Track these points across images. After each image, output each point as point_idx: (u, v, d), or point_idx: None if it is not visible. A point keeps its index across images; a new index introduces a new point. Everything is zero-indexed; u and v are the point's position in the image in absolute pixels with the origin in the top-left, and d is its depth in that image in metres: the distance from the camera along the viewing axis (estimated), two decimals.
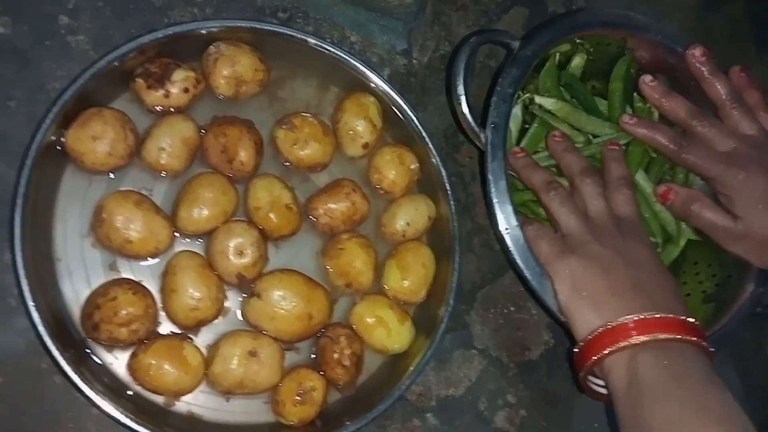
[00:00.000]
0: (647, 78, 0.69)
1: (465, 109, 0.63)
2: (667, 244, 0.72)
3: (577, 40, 0.71)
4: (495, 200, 0.62)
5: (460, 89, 0.63)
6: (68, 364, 0.58)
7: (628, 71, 0.72)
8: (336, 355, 0.62)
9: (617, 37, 0.71)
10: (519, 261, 0.62)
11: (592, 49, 0.72)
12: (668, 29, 0.72)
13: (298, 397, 0.61)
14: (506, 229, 0.62)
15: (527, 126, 0.71)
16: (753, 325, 0.76)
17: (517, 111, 0.70)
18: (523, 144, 0.70)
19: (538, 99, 0.69)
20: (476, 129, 0.64)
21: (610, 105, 0.72)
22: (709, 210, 0.65)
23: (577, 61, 0.72)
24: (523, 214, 0.69)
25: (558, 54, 0.71)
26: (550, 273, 0.61)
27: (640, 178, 0.70)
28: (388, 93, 0.67)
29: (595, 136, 0.71)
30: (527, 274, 0.62)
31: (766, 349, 0.77)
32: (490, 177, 0.63)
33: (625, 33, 0.71)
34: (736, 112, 0.66)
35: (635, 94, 0.73)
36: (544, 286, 0.61)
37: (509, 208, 0.62)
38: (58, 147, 0.62)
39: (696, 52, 0.68)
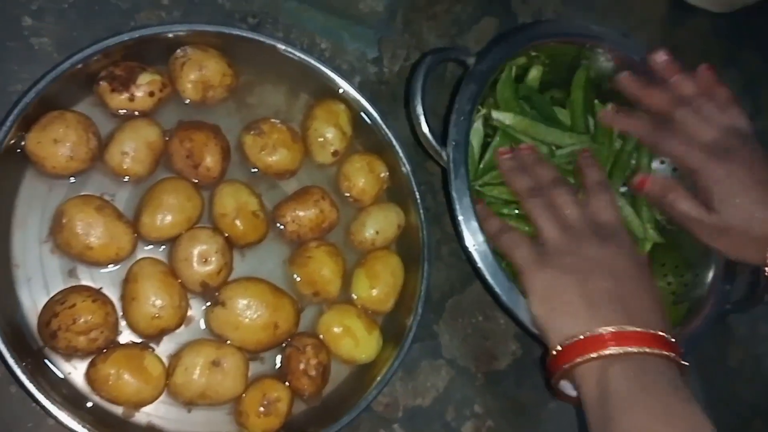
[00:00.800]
0: (624, 73, 0.70)
1: (425, 128, 0.63)
2: (639, 240, 0.73)
3: (533, 53, 0.71)
4: (460, 217, 0.63)
5: (419, 109, 0.63)
6: (24, 373, 0.56)
7: (587, 80, 0.73)
8: (302, 366, 0.61)
9: (572, 48, 0.72)
10: (488, 277, 0.62)
11: (548, 61, 0.72)
12: (623, 39, 0.73)
13: (262, 409, 0.60)
14: (473, 245, 0.63)
15: (489, 140, 0.71)
16: (716, 336, 0.77)
17: (478, 126, 0.70)
18: (486, 158, 0.70)
19: (495, 114, 0.69)
20: (437, 148, 0.64)
21: (572, 113, 0.73)
22: (684, 200, 0.65)
23: (534, 74, 0.73)
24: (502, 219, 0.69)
25: (514, 67, 0.71)
26: (525, 284, 0.61)
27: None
28: (359, 100, 0.67)
29: (558, 147, 0.71)
30: (497, 289, 0.62)
31: (728, 360, 0.78)
32: (454, 195, 0.63)
33: (580, 44, 0.72)
34: (709, 105, 0.66)
35: (596, 101, 0.74)
36: (515, 300, 0.61)
37: (474, 225, 0.62)
38: (18, 150, 0.60)
39: (661, 54, 0.69)
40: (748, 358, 0.77)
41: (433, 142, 0.64)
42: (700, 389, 0.76)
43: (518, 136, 0.70)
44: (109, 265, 0.61)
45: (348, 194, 0.68)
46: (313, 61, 0.66)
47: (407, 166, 0.67)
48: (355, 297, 0.66)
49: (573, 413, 0.72)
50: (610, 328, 0.55)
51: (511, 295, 0.61)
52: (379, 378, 0.63)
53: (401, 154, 0.67)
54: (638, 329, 0.55)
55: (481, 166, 0.70)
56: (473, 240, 0.63)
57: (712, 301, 0.69)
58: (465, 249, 0.63)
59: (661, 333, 0.56)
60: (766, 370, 0.77)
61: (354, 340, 0.64)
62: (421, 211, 0.66)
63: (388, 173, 0.69)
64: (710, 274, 0.70)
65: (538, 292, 0.60)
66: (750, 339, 0.71)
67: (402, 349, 0.64)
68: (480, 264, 0.62)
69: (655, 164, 0.75)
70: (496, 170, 0.69)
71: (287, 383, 0.62)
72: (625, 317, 0.56)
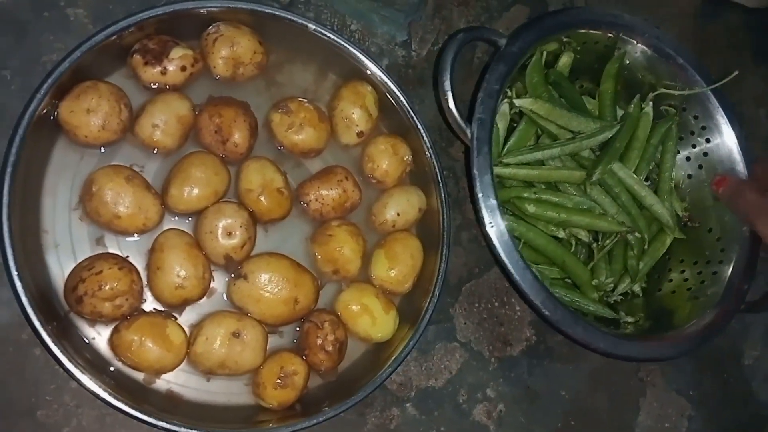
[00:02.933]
0: (716, 180, 0.71)
1: (451, 104, 0.64)
2: (659, 234, 0.73)
3: (564, 39, 0.71)
4: (480, 194, 0.63)
5: (447, 85, 0.63)
6: (50, 336, 0.58)
7: (619, 70, 0.73)
8: (319, 341, 0.63)
9: (604, 36, 0.72)
10: (503, 255, 0.63)
11: (579, 48, 0.72)
12: (656, 30, 0.73)
13: (279, 381, 0.61)
14: (490, 223, 0.63)
15: (515, 125, 0.71)
16: (732, 335, 0.77)
17: (505, 109, 0.70)
18: (510, 142, 0.70)
19: (517, 101, 0.69)
20: (462, 125, 0.64)
21: (601, 103, 0.73)
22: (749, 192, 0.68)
23: (565, 60, 0.73)
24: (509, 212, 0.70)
25: (545, 52, 0.71)
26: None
27: (618, 169, 0.71)
28: (386, 83, 0.67)
29: (579, 133, 0.71)
30: (510, 268, 0.62)
31: (744, 358, 0.78)
32: (475, 171, 0.63)
33: (612, 32, 0.72)
34: None
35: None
36: (527, 280, 0.62)
37: (493, 203, 0.63)
38: (51, 119, 0.61)
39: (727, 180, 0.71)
40: (765, 357, 0.77)
41: (459, 118, 0.64)
42: (717, 387, 0.76)
43: (541, 122, 0.70)
44: (136, 235, 0.63)
45: (371, 175, 0.69)
46: (342, 42, 0.66)
47: (431, 150, 0.67)
48: (373, 277, 0.67)
49: (585, 402, 0.73)
50: None
51: (524, 275, 0.62)
52: (393, 357, 0.64)
53: (425, 138, 0.67)
54: None
55: (505, 149, 0.70)
56: (490, 218, 0.63)
57: (729, 299, 0.69)
58: (483, 228, 0.63)
59: None
60: None
61: (371, 318, 0.65)
62: (443, 195, 0.67)
63: (411, 156, 0.69)
64: (728, 273, 0.70)
65: None
66: (766, 338, 0.71)
67: (418, 330, 0.65)
68: (496, 242, 0.63)
69: (680, 158, 0.75)
70: (519, 154, 0.69)
71: (304, 357, 0.63)
72: None
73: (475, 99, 0.65)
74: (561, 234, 0.71)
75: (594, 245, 0.72)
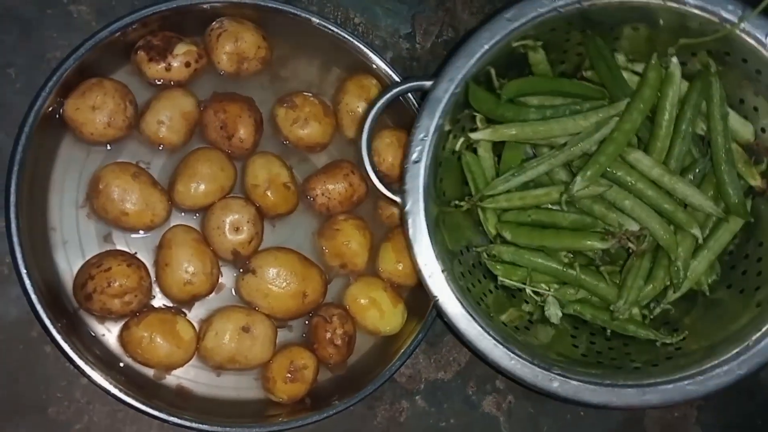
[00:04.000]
0: None
1: (374, 179, 0.59)
2: (720, 223, 0.61)
3: (514, 44, 0.59)
4: (418, 257, 0.56)
5: (367, 156, 0.59)
6: (59, 333, 0.58)
7: (607, 48, 0.61)
8: (328, 335, 0.63)
9: (563, 22, 0.59)
10: (458, 327, 0.56)
11: (541, 42, 0.61)
12: None
13: (289, 375, 0.61)
14: (435, 296, 0.57)
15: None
16: None
17: (464, 145, 0.62)
18: (501, 165, 0.63)
19: (473, 136, 0.61)
20: (392, 196, 0.59)
21: (609, 87, 0.62)
22: None
23: (536, 58, 0.62)
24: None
25: (493, 70, 0.60)
26: None
27: (641, 157, 0.59)
28: (390, 76, 0.67)
29: (577, 134, 0.60)
30: (484, 352, 0.57)
31: None
32: (412, 243, 0.57)
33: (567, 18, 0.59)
34: None
35: (616, 54, 0.62)
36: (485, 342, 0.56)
37: (439, 272, 0.56)
38: (56, 116, 0.61)
39: None
40: None
41: (385, 191, 0.59)
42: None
43: (522, 142, 0.62)
44: (144, 231, 0.63)
45: (378, 169, 0.68)
46: (346, 36, 0.66)
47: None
48: (381, 270, 0.67)
49: None
50: None
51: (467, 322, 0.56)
52: (402, 350, 0.64)
53: None
54: None
55: (496, 177, 0.62)
56: (437, 290, 0.57)
57: None
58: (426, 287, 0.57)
59: None
60: None
61: (379, 312, 0.65)
62: None
63: None
64: None
65: None
66: None
67: (426, 322, 0.65)
68: (447, 314, 0.56)
69: (746, 109, 0.61)
70: (505, 181, 0.61)
71: (313, 351, 0.63)
72: None
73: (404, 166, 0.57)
74: (564, 258, 0.62)
75: (602, 267, 0.62)
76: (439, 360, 0.70)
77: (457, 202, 0.62)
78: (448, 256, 0.58)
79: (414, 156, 0.57)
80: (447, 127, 0.59)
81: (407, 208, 0.57)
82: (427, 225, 0.57)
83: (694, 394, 0.57)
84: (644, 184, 0.59)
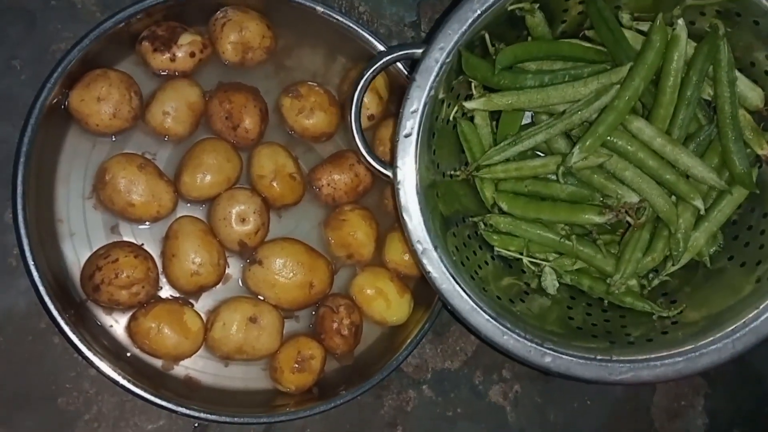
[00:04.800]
0: None
1: (364, 151, 0.58)
2: (724, 194, 0.59)
3: (509, 7, 0.56)
4: (409, 232, 0.55)
5: (358, 138, 0.57)
6: (67, 324, 0.58)
7: (608, 8, 0.59)
8: (335, 325, 0.63)
9: None
10: (444, 294, 0.55)
11: (538, 4, 0.58)
12: None
13: (296, 365, 0.61)
14: (427, 267, 0.55)
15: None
16: None
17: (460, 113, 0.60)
18: (498, 132, 0.62)
19: (467, 105, 0.59)
20: (383, 170, 0.58)
21: (610, 48, 0.59)
22: None
23: (535, 20, 0.59)
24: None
25: (487, 35, 0.57)
26: None
27: (644, 126, 0.57)
28: (395, 65, 0.67)
29: (577, 101, 0.58)
30: (462, 313, 0.55)
31: None
32: (405, 220, 0.55)
33: None
34: None
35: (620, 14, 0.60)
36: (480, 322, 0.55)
37: (430, 246, 0.55)
38: (62, 107, 0.61)
39: None
40: None
41: (375, 164, 0.58)
42: (732, 365, 0.76)
43: (519, 110, 0.60)
44: (150, 222, 0.63)
45: (384, 159, 0.68)
46: (351, 24, 0.66)
47: None
48: (387, 260, 0.67)
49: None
50: None
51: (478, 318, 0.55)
52: (409, 340, 0.64)
53: None
54: None
55: (493, 147, 0.61)
56: (428, 262, 0.55)
57: None
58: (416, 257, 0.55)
59: None
60: None
61: (386, 302, 0.65)
62: None
63: None
64: None
65: None
66: None
67: (432, 312, 0.65)
68: (436, 282, 0.55)
69: (756, 73, 0.58)
70: (501, 151, 0.60)
71: (320, 342, 0.63)
72: None
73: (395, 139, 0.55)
74: (561, 230, 0.61)
75: (599, 239, 0.60)
76: (446, 350, 0.70)
77: (452, 172, 0.61)
78: (441, 231, 0.57)
79: (405, 130, 0.55)
80: (441, 96, 0.57)
81: (398, 182, 0.55)
82: (419, 200, 0.55)
83: (687, 370, 0.56)
84: (646, 154, 0.58)
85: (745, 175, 0.58)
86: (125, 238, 0.63)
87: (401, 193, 0.55)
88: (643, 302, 0.61)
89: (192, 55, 0.63)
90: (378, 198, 0.69)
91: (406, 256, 0.66)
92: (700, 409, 0.75)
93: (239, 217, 0.62)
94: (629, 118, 0.58)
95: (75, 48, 0.60)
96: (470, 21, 0.55)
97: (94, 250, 0.61)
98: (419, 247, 0.55)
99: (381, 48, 0.66)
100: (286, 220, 0.66)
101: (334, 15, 0.65)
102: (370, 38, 0.66)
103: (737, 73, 0.58)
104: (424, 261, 0.55)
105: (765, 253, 0.59)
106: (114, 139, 0.63)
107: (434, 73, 0.55)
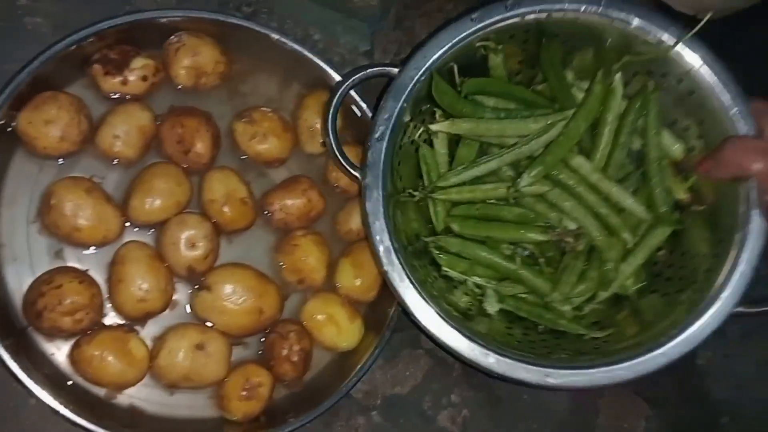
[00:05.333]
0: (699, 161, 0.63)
1: (337, 152, 0.60)
2: (649, 230, 0.65)
3: (478, 44, 0.62)
4: (376, 237, 0.58)
5: (331, 133, 0.60)
6: (7, 352, 0.57)
7: (556, 52, 0.64)
8: (285, 351, 0.63)
9: (522, 25, 0.62)
10: (402, 297, 0.58)
11: (509, 42, 0.63)
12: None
13: (244, 393, 0.61)
14: (387, 266, 0.58)
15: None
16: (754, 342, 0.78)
17: (425, 135, 0.64)
18: (456, 160, 0.66)
19: (432, 127, 0.63)
20: (353, 172, 0.60)
21: (554, 94, 0.65)
22: None
23: (496, 61, 0.64)
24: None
25: (455, 66, 0.62)
26: None
27: (583, 162, 0.63)
28: (349, 93, 0.68)
29: (525, 137, 0.63)
30: (418, 318, 0.58)
31: (697, 358, 0.81)
32: (369, 217, 0.58)
33: (534, 14, 0.61)
34: None
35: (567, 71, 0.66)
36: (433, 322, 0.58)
37: (389, 245, 0.58)
38: (8, 129, 0.60)
39: None
40: (716, 358, 0.79)
41: (347, 165, 0.60)
42: (673, 387, 0.78)
43: (473, 139, 0.65)
44: (96, 248, 0.62)
45: (336, 185, 0.69)
46: (305, 52, 0.67)
47: None
48: (339, 286, 0.67)
49: (546, 405, 0.74)
50: None
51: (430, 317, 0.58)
52: (359, 366, 0.64)
53: None
54: None
55: (449, 170, 0.65)
56: (387, 261, 0.58)
57: (724, 298, 0.60)
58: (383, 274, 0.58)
59: None
60: (733, 369, 0.79)
61: (337, 327, 0.65)
62: None
63: None
64: (724, 270, 0.61)
65: None
66: (717, 339, 0.73)
67: (383, 337, 0.65)
68: (396, 285, 0.58)
69: (679, 129, 0.64)
70: (457, 174, 0.63)
71: (269, 368, 0.63)
72: None
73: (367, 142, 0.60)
74: (506, 251, 0.66)
75: (541, 259, 0.65)
76: (396, 375, 0.71)
77: (410, 191, 0.64)
78: (401, 237, 0.61)
79: (377, 134, 0.59)
80: (407, 118, 0.62)
81: (366, 181, 0.59)
82: (384, 201, 0.59)
83: (621, 377, 0.60)
84: (584, 188, 0.64)
85: (667, 213, 0.64)
86: (70, 264, 0.61)
87: (367, 192, 0.59)
88: (576, 325, 0.65)
89: (144, 78, 0.63)
90: (330, 223, 0.69)
91: (358, 282, 0.67)
92: (641, 430, 0.77)
93: (189, 242, 0.61)
94: (570, 155, 0.63)
95: (24, 69, 0.60)
96: (444, 49, 0.61)
97: (38, 275, 0.60)
98: (380, 246, 0.58)
99: (336, 76, 0.67)
100: (237, 245, 0.66)
101: (289, 42, 0.66)
102: (324, 66, 0.67)
103: (663, 128, 0.66)
104: (383, 258, 0.58)
105: (685, 283, 0.64)
106: (62, 162, 0.62)
107: (408, 89, 0.60)
